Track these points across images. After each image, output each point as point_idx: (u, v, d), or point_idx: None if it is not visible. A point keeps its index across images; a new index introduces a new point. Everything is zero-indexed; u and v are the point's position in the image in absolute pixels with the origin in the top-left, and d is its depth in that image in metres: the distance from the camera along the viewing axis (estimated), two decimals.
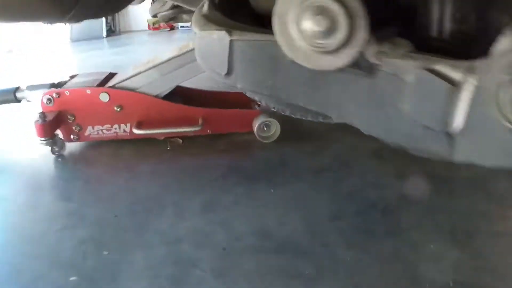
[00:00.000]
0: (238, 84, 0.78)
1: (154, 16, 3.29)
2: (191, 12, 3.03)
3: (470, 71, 0.53)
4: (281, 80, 0.72)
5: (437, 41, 0.76)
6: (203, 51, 0.85)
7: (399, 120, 0.61)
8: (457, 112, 0.54)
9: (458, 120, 0.54)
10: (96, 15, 1.27)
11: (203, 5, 0.91)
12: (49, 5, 1.03)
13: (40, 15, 1.09)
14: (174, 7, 3.06)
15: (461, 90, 0.53)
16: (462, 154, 0.57)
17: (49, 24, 1.27)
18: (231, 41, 0.74)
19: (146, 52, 5.18)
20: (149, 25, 7.27)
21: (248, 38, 0.72)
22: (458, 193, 1.53)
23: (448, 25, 0.75)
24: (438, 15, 0.76)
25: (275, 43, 0.67)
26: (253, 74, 0.75)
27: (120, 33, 7.34)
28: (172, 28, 7.27)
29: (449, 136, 0.57)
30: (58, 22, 1.17)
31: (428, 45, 0.67)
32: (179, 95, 2.22)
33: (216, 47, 0.77)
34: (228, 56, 0.75)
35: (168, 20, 3.31)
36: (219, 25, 0.78)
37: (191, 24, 0.93)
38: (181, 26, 7.08)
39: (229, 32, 0.74)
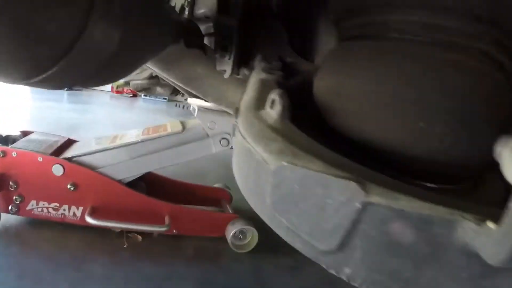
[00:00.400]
0: (349, 268, 0.47)
1: (127, 82, 3.04)
2: (166, 86, 2.80)
3: None
4: (434, 275, 0.42)
5: None
6: (284, 198, 0.51)
7: None
8: None
9: None
10: (82, 81, 0.93)
11: (259, 98, 0.62)
12: (13, 52, 0.70)
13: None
14: (151, 77, 2.82)
15: None
16: None
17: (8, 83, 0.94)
18: (365, 203, 0.42)
19: (106, 117, 4.92)
20: (112, 87, 7.07)
21: (403, 206, 0.41)
22: None
23: None
24: None
25: (450, 224, 0.39)
26: (387, 261, 0.44)
27: (81, 89, 7.07)
28: (134, 95, 7.08)
29: None
30: (23, 83, 0.83)
31: None
32: (142, 180, 1.95)
33: (326, 203, 0.45)
34: (351, 225, 0.44)
35: (141, 89, 3.06)
36: (316, 155, 0.47)
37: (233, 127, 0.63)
38: (144, 95, 6.90)
39: (365, 188, 0.42)
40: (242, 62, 1.15)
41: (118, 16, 0.74)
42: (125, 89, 6.72)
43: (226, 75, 1.17)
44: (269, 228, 0.91)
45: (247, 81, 0.91)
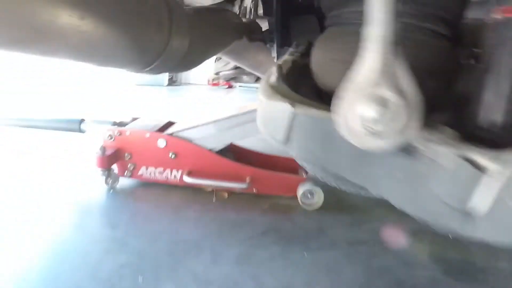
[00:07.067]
0: (292, 152, 0.84)
1: (217, 73, 3.44)
2: (251, 74, 3.19)
3: (505, 162, 0.57)
4: (332, 154, 0.76)
5: (486, 132, 0.74)
6: (265, 118, 0.90)
7: (428, 199, 0.66)
8: (484, 198, 0.59)
9: (484, 205, 0.59)
10: (171, 70, 1.42)
11: (271, 75, 0.98)
12: (135, 56, 1.16)
13: (125, 64, 1.21)
14: (236, 67, 3.22)
15: (493, 179, 0.58)
16: (483, 234, 0.62)
17: (130, 72, 1.40)
18: (293, 113, 0.78)
19: (202, 105, 5.38)
20: (208, 80, 7.51)
21: (309, 113, 0.77)
22: (494, 284, 1.48)
23: (500, 118, 0.73)
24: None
25: (332, 121, 0.71)
26: (308, 146, 0.79)
27: (180, 84, 7.64)
28: (230, 86, 7.47)
29: (470, 217, 0.62)
30: (139, 72, 1.30)
31: (476, 135, 0.69)
32: (231, 151, 2.33)
33: (278, 116, 0.82)
34: (288, 127, 0.80)
35: (229, 79, 3.46)
36: (284, 96, 0.83)
37: (257, 90, 1.00)
38: (240, 85, 7.27)
39: (293, 105, 0.78)
40: (283, 48, 1.57)
41: (187, 30, 1.21)
42: (221, 81, 7.16)
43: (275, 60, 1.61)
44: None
45: None
